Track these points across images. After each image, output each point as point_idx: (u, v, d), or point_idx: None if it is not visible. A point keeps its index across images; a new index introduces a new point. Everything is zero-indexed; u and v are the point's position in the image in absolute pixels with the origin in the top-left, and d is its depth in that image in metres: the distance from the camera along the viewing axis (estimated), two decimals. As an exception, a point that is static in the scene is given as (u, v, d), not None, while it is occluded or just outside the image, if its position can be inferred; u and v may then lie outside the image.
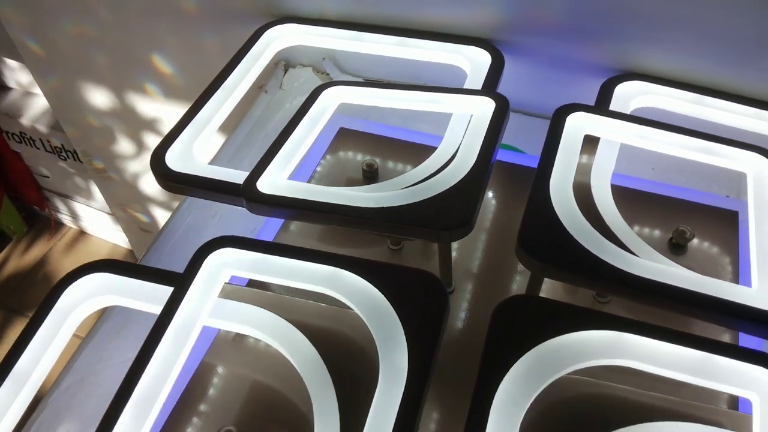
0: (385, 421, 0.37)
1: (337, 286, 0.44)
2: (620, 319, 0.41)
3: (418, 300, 0.42)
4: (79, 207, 1.37)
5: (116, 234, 1.37)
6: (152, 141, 1.01)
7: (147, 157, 1.05)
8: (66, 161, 1.23)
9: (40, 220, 1.46)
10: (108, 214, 1.32)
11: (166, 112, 0.95)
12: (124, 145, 1.04)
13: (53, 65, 0.96)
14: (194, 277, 0.46)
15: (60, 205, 1.39)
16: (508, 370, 0.39)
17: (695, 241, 0.56)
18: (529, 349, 0.39)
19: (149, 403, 0.41)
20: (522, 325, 0.41)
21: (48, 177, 1.31)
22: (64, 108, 1.04)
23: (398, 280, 0.43)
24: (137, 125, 0.99)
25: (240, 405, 0.47)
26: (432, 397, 0.48)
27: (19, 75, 1.20)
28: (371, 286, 0.43)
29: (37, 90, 1.22)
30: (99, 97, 0.97)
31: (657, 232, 0.56)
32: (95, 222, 1.38)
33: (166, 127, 0.98)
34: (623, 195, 0.59)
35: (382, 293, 0.43)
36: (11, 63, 1.17)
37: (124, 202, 1.16)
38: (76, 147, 1.10)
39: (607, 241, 0.45)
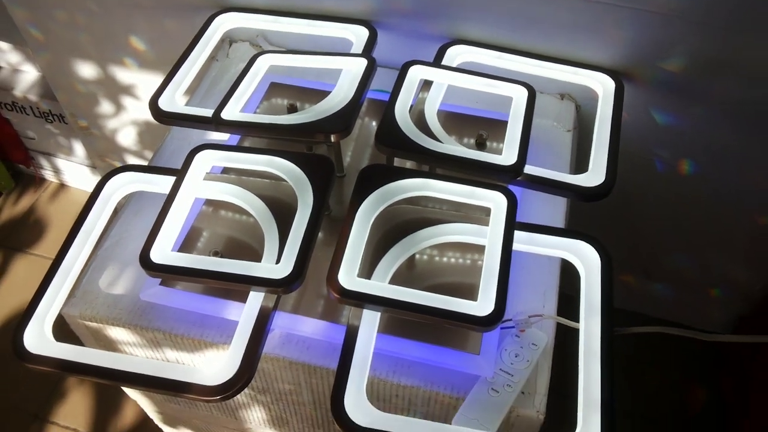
0: (299, 229, 0.71)
1: (275, 166, 0.78)
2: (427, 173, 0.77)
3: (318, 170, 0.77)
4: (61, 162, 1.65)
5: (93, 183, 1.67)
6: (128, 102, 1.31)
7: (124, 116, 1.36)
8: (52, 123, 1.51)
9: (25, 177, 1.74)
10: (87, 166, 1.61)
11: (140, 80, 1.26)
12: (105, 107, 1.34)
13: (49, 45, 1.25)
14: (188, 168, 0.79)
15: (43, 162, 1.67)
16: (365, 198, 0.73)
17: (493, 143, 0.92)
18: (378, 188, 0.74)
19: (172, 235, 0.74)
20: (375, 177, 0.75)
21: (34, 139, 1.58)
22: (56, 78, 1.32)
23: (308, 161, 0.78)
24: (116, 90, 1.29)
25: (221, 242, 0.81)
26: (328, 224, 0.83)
27: (8, 56, 1.47)
28: (293, 164, 0.77)
29: (25, 68, 1.49)
30: (86, 69, 1.27)
31: (470, 138, 0.92)
32: (74, 175, 1.66)
33: (140, 92, 1.29)
34: (452, 117, 0.95)
35: (300, 168, 0.77)
36: (1, 45, 1.44)
37: (104, 153, 1.46)
38: (65, 109, 1.39)
39: (425, 136, 0.80)
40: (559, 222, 0.87)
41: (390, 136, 0.80)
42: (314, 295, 0.78)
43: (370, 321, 0.69)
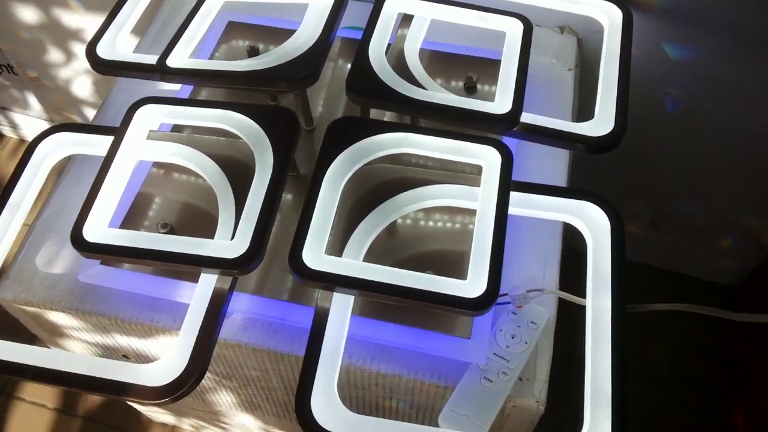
0: (257, 198, 0.60)
1: (229, 122, 0.66)
2: (408, 126, 0.65)
3: (280, 125, 0.65)
4: (17, 117, 1.52)
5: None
6: (78, 49, 1.18)
7: (76, 64, 1.23)
8: (1, 75, 1.37)
9: (-19, 133, 1.61)
10: (45, 120, 1.48)
11: (87, 22, 1.12)
12: (54, 55, 1.20)
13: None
14: (128, 127, 0.67)
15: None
16: (335, 158, 0.62)
17: (484, 87, 0.80)
18: (350, 145, 0.63)
19: (109, 207, 0.63)
20: (346, 132, 0.64)
21: (-16, 91, 1.45)
22: (-3, 25, 1.19)
23: (268, 115, 0.66)
24: (63, 36, 1.16)
25: (170, 211, 0.70)
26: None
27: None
28: (250, 119, 0.66)
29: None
30: (27, 14, 1.13)
31: (458, 82, 0.80)
32: (33, 129, 1.54)
33: (90, 36, 1.15)
34: (436, 57, 0.83)
35: (258, 124, 0.65)
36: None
37: (60, 107, 1.33)
38: (11, 59, 1.26)
39: (404, 82, 0.68)
40: (561, 178, 0.76)
41: (363, 83, 0.68)
42: (281, 271, 0.68)
43: (342, 304, 0.59)
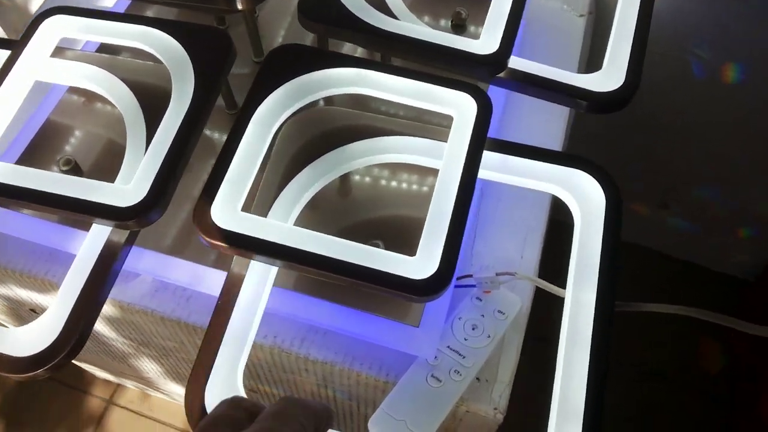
0: (166, 136, 0.48)
1: (148, 41, 0.54)
2: (366, 62, 0.52)
3: (209, 49, 0.53)
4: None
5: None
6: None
7: (32, -22, 1.10)
8: (-42, -13, 1.25)
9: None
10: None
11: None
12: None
13: None
14: (29, 40, 0.55)
15: (-39, 36, 1.42)
16: (270, 93, 0.50)
17: (476, 28, 0.66)
18: (291, 79, 0.51)
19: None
20: (289, 63, 0.52)
21: (-56, 6, 1.33)
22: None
23: (196, 36, 0.53)
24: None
25: (79, 145, 0.58)
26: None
27: None
28: (172, 39, 0.53)
29: None
30: None
31: (445, 20, 0.67)
32: None
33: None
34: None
35: (182, 44, 0.53)
36: None
37: (20, 27, 1.21)
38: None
39: (371, 8, 0.55)
40: (556, 142, 0.63)
41: (319, 6, 0.55)
42: (203, 226, 0.56)
43: (259, 273, 0.48)
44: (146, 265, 0.54)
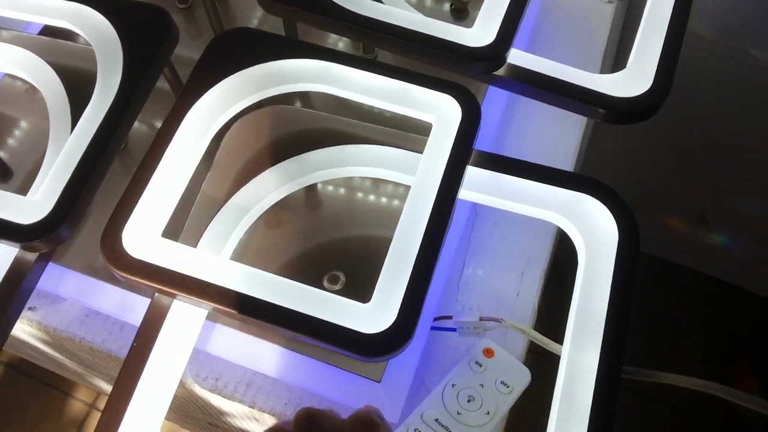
0: (81, 138, 0.40)
1: (75, 19, 0.45)
2: (333, 52, 0.43)
3: (144, 31, 0.44)
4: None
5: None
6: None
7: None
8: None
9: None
10: None
11: None
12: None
13: None
14: (-52, 14, 0.47)
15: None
16: (209, 88, 0.41)
17: (478, 11, 0.56)
18: (236, 71, 0.42)
19: None
20: (235, 53, 0.43)
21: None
22: None
23: (130, 14, 0.45)
24: None
25: (12, 138, 0.51)
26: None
27: None
28: (105, 19, 0.45)
29: None
30: None
31: (444, 3, 0.57)
32: None
33: None
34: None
35: (113, 25, 0.44)
36: None
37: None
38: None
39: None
40: (568, 152, 0.53)
41: (282, -18, 0.46)
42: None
43: (188, 307, 0.39)
44: (69, 288, 0.46)
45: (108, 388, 0.70)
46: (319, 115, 0.46)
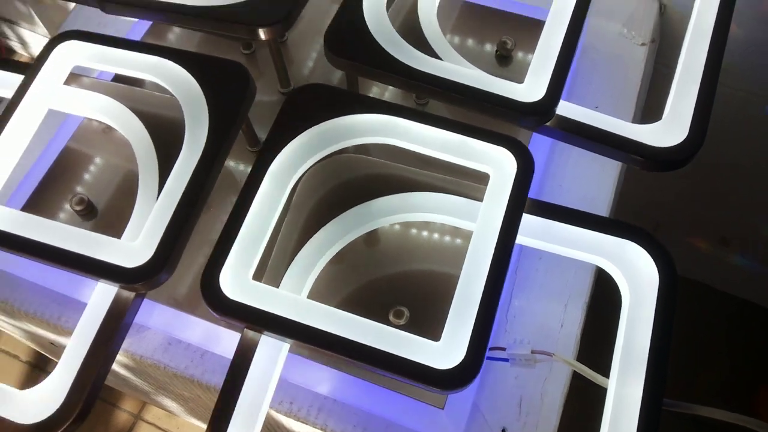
0: (176, 188, 0.45)
1: (161, 73, 0.50)
2: (397, 107, 0.48)
3: (225, 86, 0.49)
4: (26, 33, 1.39)
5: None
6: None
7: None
8: (2, -16, 1.24)
9: (-10, 47, 1.49)
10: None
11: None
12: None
13: None
14: (42, 66, 0.52)
15: (8, 31, 1.42)
16: (288, 143, 0.46)
17: (522, 54, 0.61)
18: (311, 126, 0.46)
19: (2, 172, 0.49)
20: (309, 108, 0.47)
21: (-10, 1, 1.33)
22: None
23: (211, 68, 0.49)
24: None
25: (95, 182, 0.55)
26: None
27: None
28: (188, 73, 0.49)
29: None
30: None
31: (490, 44, 0.61)
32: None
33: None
34: (462, 11, 0.64)
35: (196, 79, 0.49)
36: None
37: (60, 23, 1.19)
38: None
39: (406, 44, 0.50)
40: (605, 197, 0.57)
41: (348, 41, 0.50)
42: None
43: (274, 342, 0.44)
44: (157, 320, 0.51)
45: (173, 405, 0.74)
46: (382, 163, 0.50)
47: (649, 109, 0.64)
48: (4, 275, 0.55)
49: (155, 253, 0.43)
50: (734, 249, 0.98)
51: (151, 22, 0.65)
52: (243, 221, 0.43)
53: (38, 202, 0.55)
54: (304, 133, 0.46)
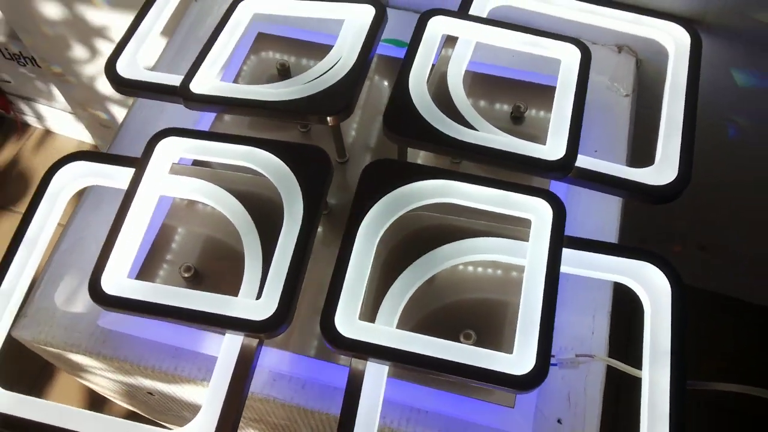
0: (285, 254, 0.56)
1: (254, 160, 0.61)
2: (448, 172, 0.60)
3: (311, 167, 0.60)
4: (43, 108, 1.48)
5: (80, 131, 1.51)
6: (102, 46, 1.13)
7: (100, 61, 1.18)
8: (25, 67, 1.33)
9: (6, 123, 1.58)
10: (70, 113, 1.45)
11: (112, 20, 1.07)
12: (78, 51, 1.16)
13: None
14: (148, 161, 0.63)
15: (24, 107, 1.50)
16: (369, 208, 0.57)
17: (531, 112, 0.74)
18: (386, 194, 0.58)
19: (130, 252, 0.59)
20: (381, 179, 0.59)
21: (10, 82, 1.42)
22: (19, 20, 1.14)
23: (297, 153, 0.61)
24: (88, 33, 1.11)
25: (194, 250, 0.66)
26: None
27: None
28: (277, 158, 0.61)
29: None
30: (51, 10, 1.08)
31: (504, 107, 0.74)
32: (59, 121, 1.50)
33: (113, 33, 1.10)
34: (479, 79, 0.77)
35: (287, 165, 0.60)
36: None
37: (84, 102, 1.29)
38: (34, 54, 1.22)
39: (448, 119, 0.62)
40: (613, 224, 0.70)
41: (403, 122, 0.62)
42: (308, 322, 0.64)
43: (377, 369, 0.55)
44: (263, 359, 0.62)
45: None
46: (440, 217, 0.62)
47: (636, 148, 0.77)
48: (122, 336, 0.65)
49: (278, 308, 0.54)
50: (711, 253, 1.13)
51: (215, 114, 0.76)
52: (345, 273, 0.55)
53: (147, 273, 0.65)
54: (381, 199, 0.58)
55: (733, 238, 1.06)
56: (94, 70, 1.19)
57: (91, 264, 0.59)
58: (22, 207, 1.46)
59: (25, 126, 1.57)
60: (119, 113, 1.28)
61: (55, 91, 1.38)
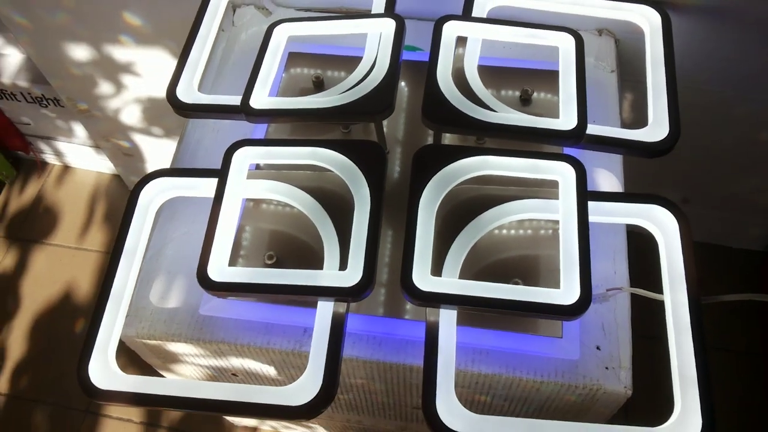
0: (362, 230, 0.67)
1: (320, 158, 0.72)
2: (484, 149, 0.72)
3: (368, 157, 0.71)
4: (61, 145, 1.57)
5: (97, 163, 1.60)
6: (129, 81, 1.23)
7: (125, 95, 1.28)
8: (47, 108, 1.42)
9: (26, 163, 1.66)
10: (89, 146, 1.53)
11: (139, 56, 1.17)
12: (104, 88, 1.25)
13: (36, 31, 1.15)
14: (229, 169, 0.74)
15: (43, 146, 1.59)
16: (425, 186, 0.69)
17: (537, 94, 0.86)
18: (436, 172, 0.70)
19: (226, 246, 0.70)
20: (431, 160, 0.71)
21: (29, 124, 1.50)
22: (47, 65, 1.23)
23: (356, 150, 0.72)
24: (114, 70, 1.21)
25: (270, 242, 0.77)
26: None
27: (-14, 41, 1.37)
28: (340, 154, 0.72)
29: (8, 51, 1.39)
30: (79, 52, 1.18)
31: (512, 92, 0.86)
32: (77, 155, 1.59)
33: (140, 68, 1.20)
34: (489, 71, 0.89)
35: (350, 159, 0.72)
36: (-22, 30, 1.33)
37: (108, 134, 1.39)
38: (61, 94, 1.31)
39: (473, 104, 0.74)
40: (618, 177, 0.82)
41: (438, 111, 0.74)
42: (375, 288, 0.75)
43: (448, 317, 0.66)
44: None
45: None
46: (479, 187, 0.74)
47: (625, 116, 0.90)
48: (217, 321, 0.75)
49: (363, 275, 0.65)
50: (694, 205, 1.27)
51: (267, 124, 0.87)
52: (415, 239, 0.66)
53: (236, 264, 0.76)
54: (434, 177, 0.69)
55: (715, 192, 1.20)
56: (120, 103, 1.29)
57: (176, 267, 0.70)
58: (54, 240, 1.56)
59: (44, 164, 1.65)
60: (141, 140, 1.38)
61: (76, 128, 1.47)
